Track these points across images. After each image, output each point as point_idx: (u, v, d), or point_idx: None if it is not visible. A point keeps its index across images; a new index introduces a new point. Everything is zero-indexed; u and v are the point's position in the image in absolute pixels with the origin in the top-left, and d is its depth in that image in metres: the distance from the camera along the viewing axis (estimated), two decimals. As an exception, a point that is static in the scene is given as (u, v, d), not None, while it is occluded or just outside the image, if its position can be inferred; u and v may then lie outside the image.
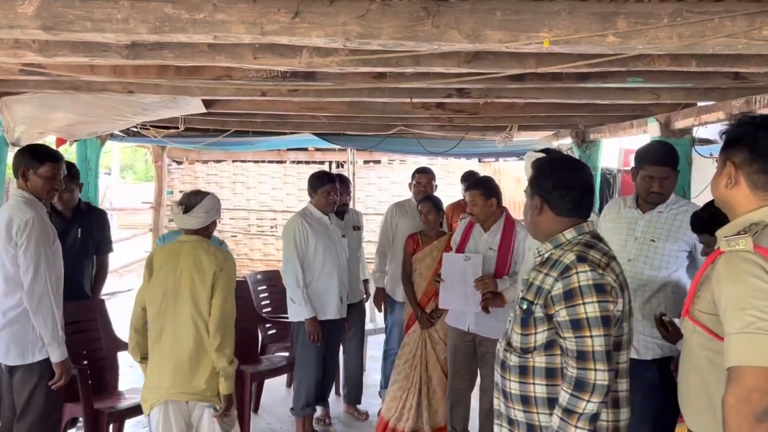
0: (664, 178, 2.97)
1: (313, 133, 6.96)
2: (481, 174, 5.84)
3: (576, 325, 1.84)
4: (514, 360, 2.03)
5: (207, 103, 4.97)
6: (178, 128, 6.36)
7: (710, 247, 2.50)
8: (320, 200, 4.12)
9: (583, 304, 1.82)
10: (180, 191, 11.35)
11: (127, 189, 21.70)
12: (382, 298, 4.68)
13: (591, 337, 1.81)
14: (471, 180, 3.92)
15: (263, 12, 2.28)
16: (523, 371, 1.99)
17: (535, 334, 1.96)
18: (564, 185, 2.04)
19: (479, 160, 10.81)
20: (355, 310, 4.56)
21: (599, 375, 1.81)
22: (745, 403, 1.43)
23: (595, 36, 2.27)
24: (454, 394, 3.87)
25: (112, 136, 6.98)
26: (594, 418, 1.83)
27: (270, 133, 7.18)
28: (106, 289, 5.85)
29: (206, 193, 3.10)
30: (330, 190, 4.11)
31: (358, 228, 4.76)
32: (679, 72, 3.28)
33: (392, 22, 2.29)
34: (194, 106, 4.97)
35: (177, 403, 2.87)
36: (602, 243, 2.03)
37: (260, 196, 11.44)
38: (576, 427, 1.81)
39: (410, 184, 4.99)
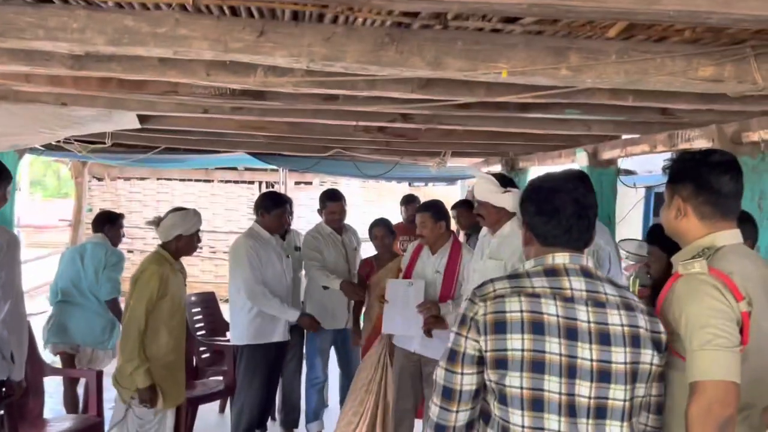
0: None
1: (248, 153, 6.86)
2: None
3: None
4: None
5: (142, 119, 4.81)
6: (104, 143, 6.08)
7: (650, 260, 2.66)
8: (273, 221, 4.07)
9: (454, 333, 1.68)
10: (100, 209, 10.88)
11: (37, 206, 20.54)
12: (312, 323, 4.42)
13: (438, 366, 1.69)
14: (422, 203, 3.97)
15: (228, 29, 2.26)
16: None
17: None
18: (548, 210, 1.71)
19: (410, 184, 10.99)
20: (295, 332, 4.50)
21: (432, 409, 1.68)
22: (707, 415, 1.53)
23: (549, 68, 2.39)
24: (398, 415, 3.88)
25: (32, 150, 6.62)
26: None
27: (202, 151, 7.03)
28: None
29: (179, 210, 3.39)
30: (283, 213, 4.09)
31: (298, 249, 4.72)
32: (615, 106, 3.48)
33: (357, 45, 2.32)
34: (129, 121, 4.79)
35: None
36: (551, 277, 1.65)
37: (185, 216, 11.14)
38: None
39: (319, 210, 4.70)
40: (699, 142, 3.94)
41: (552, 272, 1.66)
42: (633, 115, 3.71)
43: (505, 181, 3.34)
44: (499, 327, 1.58)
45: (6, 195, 3.14)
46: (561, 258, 1.68)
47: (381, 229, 4.31)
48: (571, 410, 1.54)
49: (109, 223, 4.65)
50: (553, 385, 1.54)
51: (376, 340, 4.05)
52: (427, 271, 3.79)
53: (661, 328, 1.64)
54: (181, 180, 11.09)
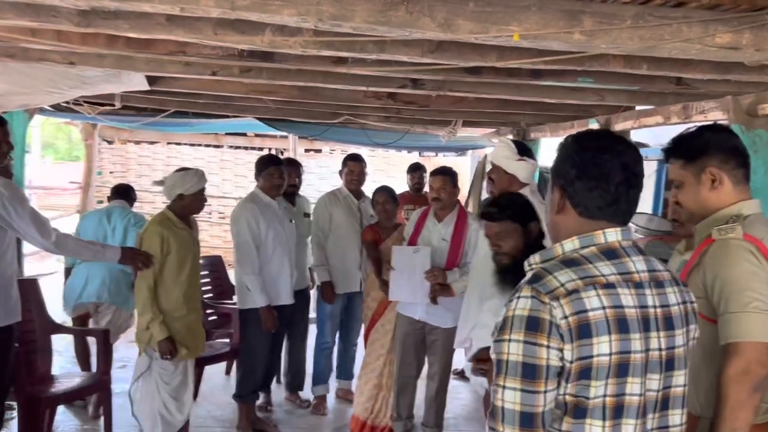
0: None
1: (257, 118, 6.82)
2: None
3: (497, 366, 1.33)
4: None
5: (151, 80, 4.78)
6: (113, 105, 6.07)
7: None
8: (265, 183, 4.05)
9: (509, 341, 1.31)
10: (110, 172, 10.91)
11: (48, 168, 20.62)
12: (331, 291, 4.52)
13: (503, 388, 1.30)
14: (440, 167, 3.93)
15: (235, -15, 2.22)
16: None
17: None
18: (594, 174, 1.40)
19: (420, 154, 10.92)
20: (301, 297, 4.53)
21: None
22: (744, 375, 1.61)
23: (562, 33, 2.34)
24: (400, 381, 3.92)
25: (42, 110, 6.61)
26: None
27: (211, 116, 6.99)
28: (29, 272, 5.60)
29: (181, 170, 3.49)
30: (274, 173, 4.05)
31: (308, 215, 4.72)
32: (628, 75, 3.41)
33: (366, 5, 2.28)
34: (137, 82, 4.77)
35: None
36: (614, 261, 1.38)
37: (195, 181, 11.16)
38: None
39: (341, 172, 4.83)
40: (714, 114, 3.87)
41: (611, 253, 1.39)
42: (647, 84, 3.64)
43: (523, 149, 3.31)
44: (584, 331, 1.29)
45: (1, 144, 3.09)
46: (613, 234, 1.40)
47: (383, 194, 4.29)
48: (645, 409, 1.37)
49: (128, 194, 4.93)
50: (634, 387, 1.34)
51: (385, 309, 4.06)
52: (433, 238, 3.77)
53: (693, 296, 1.53)
54: (190, 145, 11.08)
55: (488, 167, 3.51)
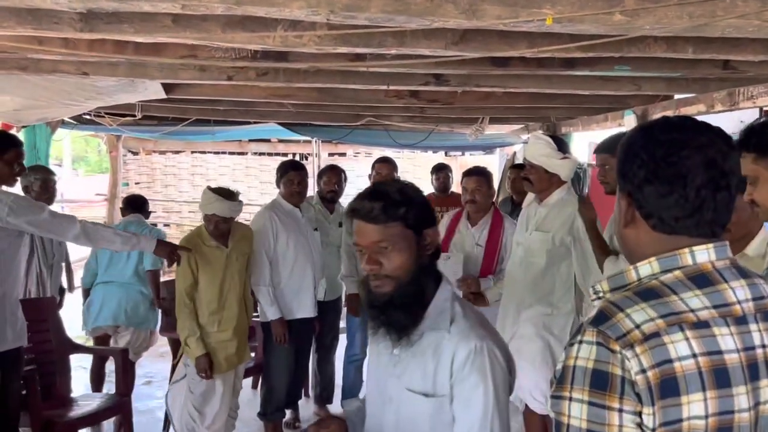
0: None
1: (279, 123, 6.70)
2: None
3: (556, 430, 1.03)
4: None
5: (167, 88, 4.67)
6: (134, 116, 6.00)
7: None
8: (285, 190, 3.87)
9: (569, 399, 1.01)
10: (136, 183, 10.91)
11: (79, 181, 20.89)
12: (358, 303, 4.21)
13: None
14: (473, 167, 3.71)
15: (238, -22, 2.05)
16: None
17: None
18: (668, 175, 1.07)
19: (446, 154, 10.70)
20: (331, 308, 4.34)
21: None
22: None
23: (600, 14, 2.11)
24: None
25: (64, 123, 6.59)
26: None
27: (232, 123, 6.89)
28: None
29: (215, 190, 3.47)
30: (293, 179, 3.85)
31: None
32: (669, 60, 3.16)
33: (382, -7, 2.08)
34: (153, 90, 4.66)
35: None
36: (706, 289, 1.05)
37: (221, 189, 11.12)
38: None
39: (370, 176, 4.59)
40: (764, 99, 3.58)
41: (703, 279, 1.06)
42: (690, 70, 3.38)
43: (561, 145, 3.08)
44: (669, 388, 0.97)
45: (14, 165, 2.98)
46: (705, 254, 1.07)
47: None
48: None
49: (142, 207, 4.72)
50: None
51: None
52: (467, 244, 3.55)
53: None
54: (215, 153, 11.03)
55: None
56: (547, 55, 2.84)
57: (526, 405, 3.23)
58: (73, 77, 4.05)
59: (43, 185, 4.01)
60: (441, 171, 5.51)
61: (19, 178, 3.14)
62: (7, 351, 2.82)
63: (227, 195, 3.39)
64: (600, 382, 0.98)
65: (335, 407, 4.51)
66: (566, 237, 3.01)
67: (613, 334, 0.99)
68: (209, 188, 3.49)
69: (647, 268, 1.08)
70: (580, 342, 1.02)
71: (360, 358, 4.42)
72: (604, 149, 2.91)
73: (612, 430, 0.97)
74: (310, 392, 4.57)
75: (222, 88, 4.73)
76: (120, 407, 3.51)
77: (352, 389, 4.43)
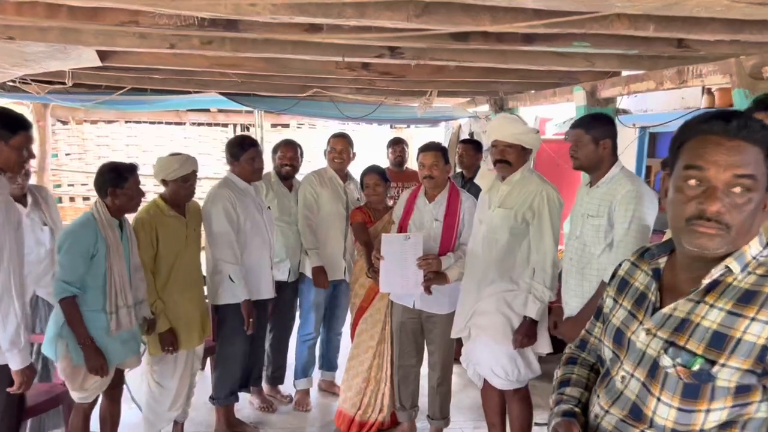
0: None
1: (221, 93, 6.41)
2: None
3: None
4: None
5: (102, 55, 4.37)
6: (64, 83, 5.62)
7: None
8: (245, 168, 3.67)
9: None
10: (66, 154, 10.34)
11: (2, 151, 19.69)
12: (325, 276, 4.16)
13: None
14: (429, 143, 3.62)
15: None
16: None
17: (708, 411, 1.25)
18: None
19: (391, 126, 10.61)
20: (289, 287, 4.23)
21: None
22: None
23: (574, -11, 2.04)
24: (401, 371, 3.71)
25: (-14, 91, 6.12)
26: None
27: (171, 92, 6.55)
28: None
29: (173, 155, 3.42)
30: (254, 156, 3.68)
31: None
32: (627, 37, 3.15)
33: (348, -40, 1.95)
34: (87, 57, 4.35)
35: None
36: None
37: (157, 161, 10.67)
38: None
39: (325, 151, 4.43)
40: (712, 78, 3.64)
41: None
42: (646, 48, 3.38)
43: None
44: None
45: (23, 150, 2.64)
46: None
47: (373, 176, 3.94)
48: None
49: None
50: None
51: (374, 298, 3.77)
52: (425, 219, 3.49)
53: None
54: (151, 123, 10.55)
55: (486, 146, 3.24)
56: (510, 30, 2.77)
57: (485, 380, 3.24)
58: (-2, 42, 3.72)
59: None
60: (397, 145, 5.45)
61: None
62: None
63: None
64: None
65: (287, 387, 4.43)
66: (527, 213, 3.00)
67: None
68: (168, 156, 3.42)
69: None
70: None
71: (314, 337, 4.34)
72: (579, 125, 2.91)
73: None
74: (263, 372, 4.43)
75: (162, 56, 4.45)
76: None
77: (305, 369, 4.35)
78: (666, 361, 1.28)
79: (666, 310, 1.33)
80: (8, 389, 2.57)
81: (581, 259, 2.86)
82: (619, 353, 1.43)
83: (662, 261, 1.43)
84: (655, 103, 5.78)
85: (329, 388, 4.52)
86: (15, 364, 2.54)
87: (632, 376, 1.36)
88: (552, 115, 7.41)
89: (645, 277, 1.45)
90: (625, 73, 4.65)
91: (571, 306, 2.92)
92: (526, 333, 3.01)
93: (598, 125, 2.90)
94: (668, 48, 3.39)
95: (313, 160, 8.53)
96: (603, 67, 4.16)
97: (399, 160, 5.41)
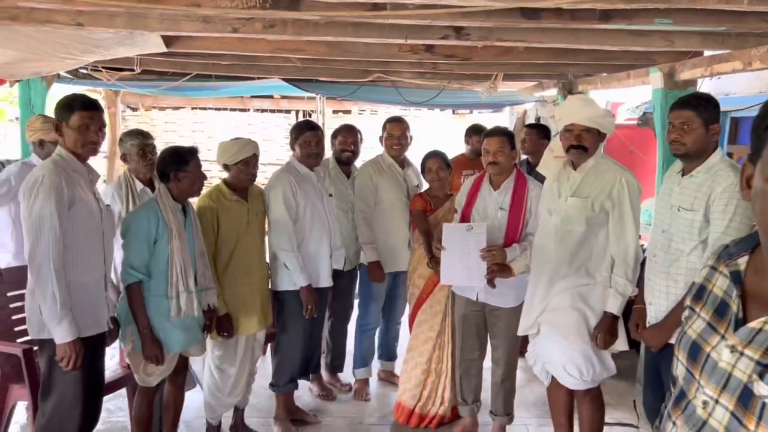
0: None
1: (283, 79, 6.42)
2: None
3: None
4: None
5: (168, 41, 4.41)
6: (133, 70, 5.75)
7: None
8: (301, 152, 3.63)
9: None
10: (135, 140, 10.67)
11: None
12: (381, 271, 4.07)
13: None
14: (494, 128, 3.46)
15: None
16: None
17: None
18: None
19: (453, 112, 10.42)
20: (348, 277, 4.17)
21: None
22: None
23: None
24: (463, 365, 3.61)
25: (60, 78, 6.30)
26: None
27: (235, 78, 6.61)
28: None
29: (234, 139, 3.45)
30: (310, 140, 3.61)
31: None
32: (718, 11, 2.91)
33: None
34: (153, 43, 4.40)
35: None
36: None
37: (222, 147, 10.87)
38: None
39: (381, 137, 4.29)
40: (809, 56, 3.33)
41: None
42: (736, 23, 3.12)
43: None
44: None
45: (82, 129, 2.70)
46: None
47: (436, 160, 3.80)
48: None
49: None
50: None
51: (434, 288, 3.67)
52: (489, 209, 3.35)
53: None
54: (216, 109, 10.73)
55: (556, 131, 3.04)
56: (587, 6, 2.58)
57: (553, 379, 3.09)
58: (68, 29, 3.78)
59: (141, 152, 3.78)
60: (476, 134, 5.19)
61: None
62: None
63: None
64: None
65: (347, 376, 4.40)
66: (606, 202, 2.81)
67: None
68: (229, 141, 3.44)
69: None
70: None
71: (373, 327, 4.28)
72: (687, 106, 2.57)
73: None
74: (322, 360, 4.41)
75: (226, 41, 4.46)
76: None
77: (364, 358, 4.30)
78: (764, 389, 1.02)
79: (755, 324, 1.08)
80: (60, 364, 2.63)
81: (667, 256, 2.61)
82: (693, 371, 1.20)
83: (742, 261, 1.18)
84: (736, 86, 5.41)
85: (388, 378, 4.45)
86: (57, 338, 2.60)
87: (717, 402, 1.12)
88: (623, 99, 7.07)
89: (723, 281, 1.21)
90: (707, 53, 4.34)
91: (656, 307, 2.69)
92: (608, 330, 2.83)
93: (709, 107, 2.58)
94: (761, 24, 3.12)
95: (375, 146, 8.48)
96: (683, 46, 3.89)
97: (477, 151, 5.19)
